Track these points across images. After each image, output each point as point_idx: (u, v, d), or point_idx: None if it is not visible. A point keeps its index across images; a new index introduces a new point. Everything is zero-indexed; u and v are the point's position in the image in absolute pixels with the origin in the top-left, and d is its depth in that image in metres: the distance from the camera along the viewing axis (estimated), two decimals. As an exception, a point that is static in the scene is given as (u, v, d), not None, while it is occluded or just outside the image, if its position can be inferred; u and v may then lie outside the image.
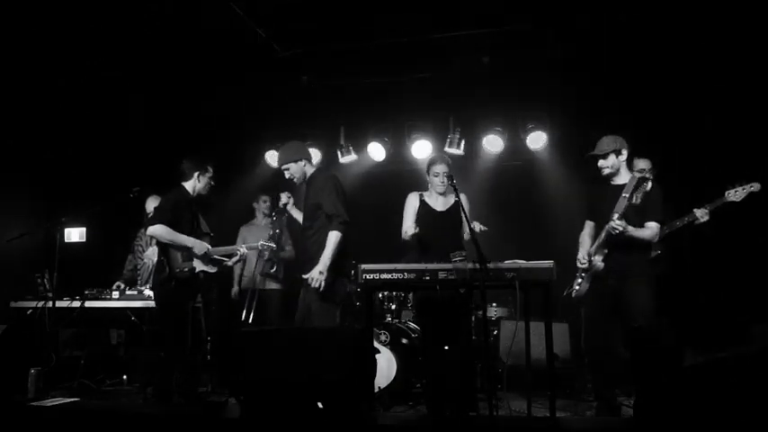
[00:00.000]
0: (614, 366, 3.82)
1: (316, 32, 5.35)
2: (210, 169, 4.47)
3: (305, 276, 3.97)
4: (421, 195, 4.25)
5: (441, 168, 4.13)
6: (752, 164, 4.62)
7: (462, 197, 4.12)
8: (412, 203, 4.23)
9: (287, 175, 4.23)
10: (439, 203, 4.22)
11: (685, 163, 5.26)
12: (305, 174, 4.23)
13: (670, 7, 4.86)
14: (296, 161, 4.19)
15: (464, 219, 3.76)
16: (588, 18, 5.05)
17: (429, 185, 4.25)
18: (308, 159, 4.28)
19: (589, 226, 4.09)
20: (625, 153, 3.87)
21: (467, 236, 4.04)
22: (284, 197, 4.35)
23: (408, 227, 4.05)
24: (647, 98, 5.64)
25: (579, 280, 3.99)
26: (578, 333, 4.17)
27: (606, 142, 3.88)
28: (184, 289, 4.18)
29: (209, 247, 4.31)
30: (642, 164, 4.62)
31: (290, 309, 4.73)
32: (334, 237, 3.96)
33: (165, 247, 4.18)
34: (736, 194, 4.18)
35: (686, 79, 5.44)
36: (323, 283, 3.90)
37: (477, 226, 3.82)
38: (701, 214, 4.30)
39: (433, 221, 4.13)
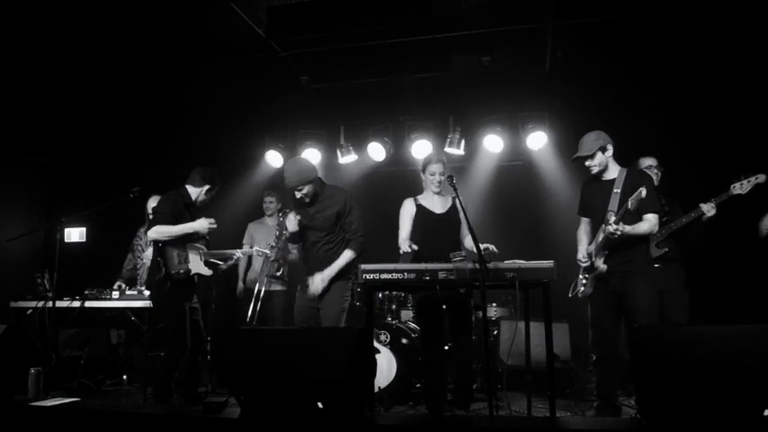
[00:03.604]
0: (617, 366, 3.82)
1: (316, 32, 5.35)
2: (217, 187, 4.47)
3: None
4: (416, 200, 4.19)
5: (437, 168, 4.10)
6: (756, 155, 4.57)
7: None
8: (408, 210, 4.16)
9: (298, 195, 4.08)
10: (437, 205, 4.16)
11: (689, 159, 5.24)
12: (317, 190, 4.13)
13: (672, 4, 4.86)
14: (311, 182, 4.07)
15: (463, 220, 3.75)
16: (589, 17, 5.05)
17: (424, 185, 4.23)
18: (317, 175, 4.18)
19: (584, 222, 4.09)
20: (611, 148, 3.81)
21: (467, 241, 3.99)
22: (292, 222, 4.09)
23: (404, 240, 4.00)
24: (646, 97, 5.65)
25: (584, 280, 3.99)
26: (578, 333, 4.17)
27: (590, 141, 3.81)
28: (180, 290, 4.17)
29: (210, 223, 4.29)
30: (648, 161, 4.60)
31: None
32: (350, 254, 4.03)
33: (162, 249, 4.17)
34: (741, 187, 4.16)
35: (686, 74, 5.45)
36: (319, 290, 3.98)
37: (491, 248, 3.74)
38: (708, 209, 4.28)
39: (431, 225, 4.09)
